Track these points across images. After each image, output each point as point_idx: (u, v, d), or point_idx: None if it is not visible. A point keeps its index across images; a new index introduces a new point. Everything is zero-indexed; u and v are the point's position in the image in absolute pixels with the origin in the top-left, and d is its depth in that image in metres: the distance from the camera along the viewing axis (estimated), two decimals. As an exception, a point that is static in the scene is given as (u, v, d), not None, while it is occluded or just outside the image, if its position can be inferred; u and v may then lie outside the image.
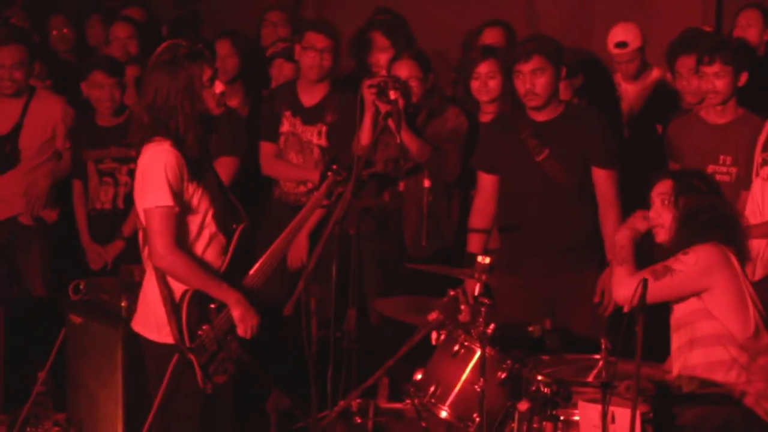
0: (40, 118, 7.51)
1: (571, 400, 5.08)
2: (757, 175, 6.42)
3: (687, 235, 5.29)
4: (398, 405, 5.55)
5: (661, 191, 5.37)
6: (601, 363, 4.90)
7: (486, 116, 6.83)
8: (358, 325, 5.60)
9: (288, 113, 7.08)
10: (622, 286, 5.23)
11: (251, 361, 5.20)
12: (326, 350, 5.38)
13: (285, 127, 7.10)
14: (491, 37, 7.32)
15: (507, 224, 6.38)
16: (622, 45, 7.30)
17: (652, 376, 5.23)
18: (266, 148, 7.14)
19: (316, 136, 7.02)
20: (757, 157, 6.44)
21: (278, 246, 5.31)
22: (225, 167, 7.00)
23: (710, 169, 6.46)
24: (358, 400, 5.34)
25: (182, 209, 5.02)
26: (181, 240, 5.03)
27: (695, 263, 5.22)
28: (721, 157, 6.53)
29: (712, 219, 5.30)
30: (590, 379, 4.92)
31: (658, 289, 5.13)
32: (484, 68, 6.73)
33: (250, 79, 7.66)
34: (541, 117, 6.27)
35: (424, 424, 5.23)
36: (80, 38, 8.87)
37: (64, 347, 6.65)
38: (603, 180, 6.24)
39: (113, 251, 7.30)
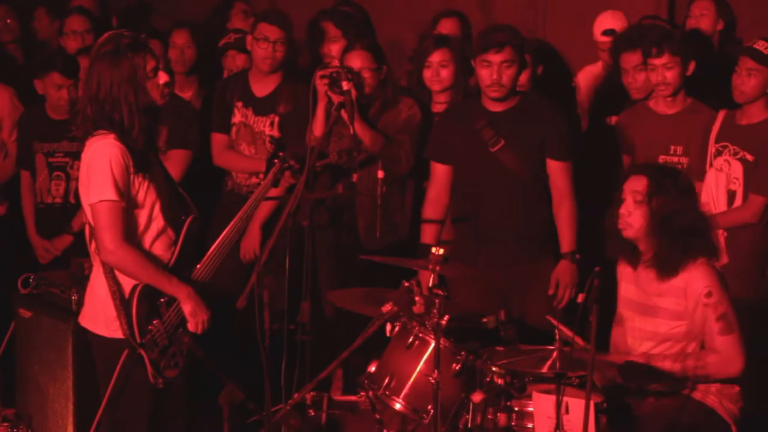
0: None
1: (525, 391, 5.11)
2: (711, 165, 6.47)
3: (670, 248, 5.30)
4: (352, 397, 5.54)
5: (635, 189, 5.38)
6: (555, 354, 4.92)
7: (438, 106, 6.84)
8: (311, 317, 5.59)
9: (240, 104, 7.07)
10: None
11: (204, 354, 5.18)
12: (280, 343, 5.36)
13: (237, 117, 7.09)
14: (446, 27, 7.33)
15: (462, 215, 6.39)
16: (609, 33, 7.31)
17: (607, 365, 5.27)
18: (218, 139, 7.13)
19: (268, 126, 7.01)
20: (711, 148, 6.48)
21: (226, 237, 5.29)
22: (177, 160, 7.00)
23: (661, 159, 6.51)
24: (312, 393, 5.32)
25: (129, 203, 4.99)
26: (129, 234, 5.01)
27: (726, 294, 5.28)
28: (672, 147, 6.58)
29: (687, 226, 5.32)
30: (544, 370, 4.92)
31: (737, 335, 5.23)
32: (436, 57, 6.75)
33: (206, 71, 7.66)
34: (496, 107, 6.27)
35: (378, 417, 5.22)
36: (24, 29, 8.79)
37: (13, 342, 6.62)
38: (557, 171, 6.26)
39: (61, 245, 7.25)
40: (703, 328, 5.28)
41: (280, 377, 5.37)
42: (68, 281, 6.32)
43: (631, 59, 6.76)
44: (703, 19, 7.08)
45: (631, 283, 5.51)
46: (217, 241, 5.27)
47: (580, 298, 4.91)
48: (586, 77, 7.32)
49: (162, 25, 8.18)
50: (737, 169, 6.36)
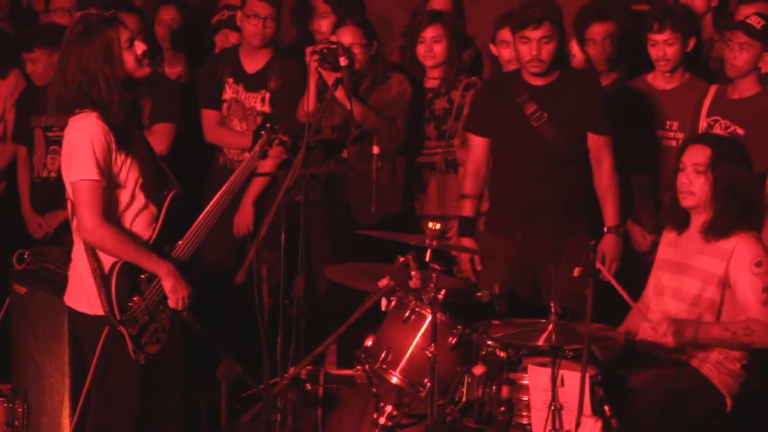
0: None
1: (521, 364, 5.14)
2: (701, 139, 6.50)
3: (728, 213, 5.34)
4: (349, 371, 5.57)
5: (696, 160, 5.40)
6: (550, 327, 4.96)
7: (431, 81, 6.85)
8: (305, 292, 5.61)
9: (231, 80, 7.08)
10: None
11: (201, 329, 5.20)
12: (275, 317, 5.39)
13: (228, 93, 7.10)
14: (439, 3, 7.31)
15: (501, 188, 6.39)
16: None
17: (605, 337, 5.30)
18: (209, 115, 7.14)
19: (259, 102, 7.02)
20: (702, 122, 6.51)
21: (211, 210, 5.28)
22: (162, 134, 7.02)
23: (658, 134, 6.54)
24: (309, 367, 5.34)
25: (110, 181, 4.99)
26: (110, 212, 5.01)
27: None
28: (668, 122, 6.61)
29: (749, 197, 5.38)
30: (540, 343, 4.95)
31: None
32: (430, 33, 6.76)
33: (194, 46, 7.65)
34: (537, 81, 6.25)
35: (375, 390, 5.24)
36: (15, 4, 8.76)
37: (9, 317, 6.62)
38: (599, 145, 6.25)
39: (55, 221, 7.25)
40: (742, 296, 5.31)
41: (275, 351, 5.38)
42: (63, 257, 6.31)
43: (599, 30, 6.77)
44: None
45: (672, 246, 5.55)
46: (200, 216, 5.27)
47: (576, 272, 4.96)
48: (580, 57, 7.32)
49: (145, 3, 8.15)
50: (728, 142, 6.40)
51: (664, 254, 5.59)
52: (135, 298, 5.07)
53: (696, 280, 5.40)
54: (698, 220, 5.45)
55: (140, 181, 5.06)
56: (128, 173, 5.03)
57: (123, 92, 5.00)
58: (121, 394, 5.15)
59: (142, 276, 5.08)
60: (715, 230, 5.36)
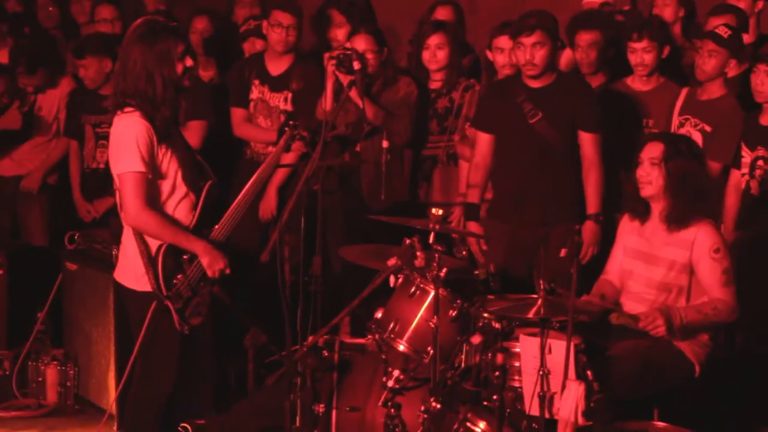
0: (50, 94, 7.51)
1: (513, 334, 5.14)
2: (674, 136, 6.50)
3: (682, 202, 5.34)
4: (361, 340, 5.56)
5: (651, 154, 5.41)
6: (540, 301, 4.96)
7: (435, 83, 6.84)
8: (322, 270, 5.60)
9: (257, 81, 7.08)
10: None
11: (230, 302, 5.21)
12: (296, 292, 5.38)
13: (254, 94, 7.10)
14: (442, 14, 7.32)
15: (502, 178, 6.39)
16: (603, 5, 7.31)
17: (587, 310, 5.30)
18: (237, 113, 7.13)
19: (282, 102, 7.02)
20: (674, 120, 6.50)
21: (243, 199, 5.29)
22: (196, 130, 7.02)
23: (636, 130, 6.52)
24: (326, 336, 5.34)
25: (155, 173, 5.00)
26: (154, 200, 5.01)
27: (729, 252, 5.35)
28: (645, 120, 6.60)
29: (699, 186, 5.37)
30: (530, 315, 4.95)
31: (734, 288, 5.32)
32: (433, 40, 6.75)
33: (223, 52, 7.65)
34: (534, 84, 6.25)
35: (384, 357, 5.23)
36: (64, 15, 8.76)
37: (62, 291, 6.64)
38: (587, 142, 6.23)
39: (102, 206, 7.27)
40: (705, 280, 5.33)
41: (296, 322, 5.38)
42: (109, 238, 6.34)
43: (585, 37, 6.76)
44: (666, 8, 7.07)
45: (637, 235, 5.54)
46: (234, 203, 5.28)
47: (563, 252, 4.96)
48: (565, 60, 7.31)
49: (182, 14, 8.15)
50: (697, 138, 6.34)
51: (629, 242, 5.58)
52: (179, 276, 5.08)
53: (663, 269, 5.41)
54: (657, 209, 5.45)
55: (180, 172, 5.06)
56: (169, 165, 5.03)
57: (174, 93, 5.01)
58: (164, 361, 5.17)
59: (185, 257, 5.09)
60: (674, 219, 5.37)
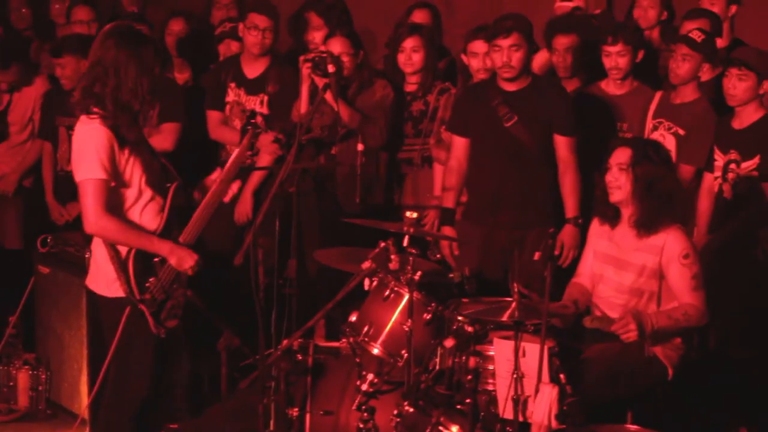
0: (26, 95, 7.45)
1: (488, 337, 5.13)
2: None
3: (650, 207, 5.33)
4: (335, 343, 5.57)
5: (619, 160, 5.40)
6: (513, 305, 4.95)
7: (410, 86, 6.83)
8: (297, 273, 5.59)
9: (233, 84, 7.05)
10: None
11: (204, 305, 5.18)
12: (270, 295, 5.37)
13: (230, 97, 7.07)
14: (419, 17, 7.31)
15: (477, 182, 6.37)
16: (576, 9, 7.31)
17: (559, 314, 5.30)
18: (213, 115, 7.11)
19: (258, 105, 6.99)
20: (648, 123, 6.51)
21: (210, 199, 5.22)
22: (169, 132, 7.01)
23: (610, 134, 6.51)
24: (300, 340, 5.33)
25: (117, 180, 4.95)
26: (117, 207, 4.97)
27: (698, 257, 5.36)
28: (619, 123, 6.60)
29: (667, 191, 5.36)
30: (505, 318, 4.95)
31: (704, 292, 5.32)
32: (409, 43, 6.73)
33: (199, 54, 7.63)
34: (510, 87, 6.23)
35: (358, 360, 5.23)
36: (37, 17, 8.70)
37: (34, 295, 6.60)
38: (563, 146, 6.22)
39: (75, 210, 7.21)
40: (674, 285, 5.33)
41: (270, 326, 5.36)
42: (82, 241, 6.30)
43: (563, 41, 6.76)
44: (650, 10, 7.06)
45: (607, 240, 5.54)
46: (202, 204, 5.23)
47: (537, 256, 4.95)
48: (538, 63, 7.30)
49: (156, 15, 8.12)
50: (671, 142, 6.38)
51: (600, 246, 5.58)
52: (151, 279, 5.04)
53: (634, 275, 5.41)
54: (626, 214, 5.45)
55: (144, 176, 5.02)
56: (133, 170, 4.98)
57: (147, 101, 4.98)
58: (139, 366, 5.12)
59: (155, 259, 5.05)
60: (643, 224, 5.36)
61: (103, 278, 5.06)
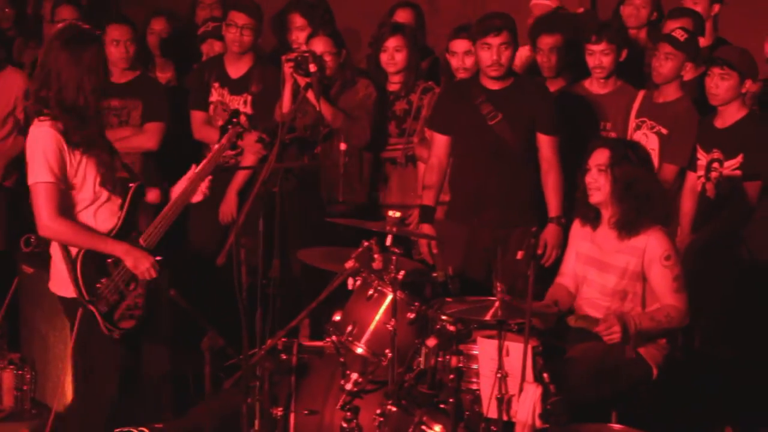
0: (4, 91, 7.38)
1: (471, 337, 5.12)
2: (631, 138, 6.49)
3: (629, 208, 5.33)
4: (319, 343, 5.55)
5: (598, 161, 5.39)
6: (497, 304, 4.95)
7: (393, 86, 6.81)
8: (281, 273, 5.58)
9: (216, 84, 7.04)
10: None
11: (187, 305, 5.16)
12: (254, 296, 5.35)
13: (214, 96, 7.06)
14: (402, 16, 7.30)
15: (459, 180, 6.35)
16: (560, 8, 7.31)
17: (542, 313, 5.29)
18: (197, 115, 7.10)
19: (242, 104, 6.98)
20: (632, 122, 6.52)
21: (177, 199, 5.22)
22: (153, 132, 7.02)
23: (593, 133, 6.52)
24: (284, 339, 5.31)
25: (67, 182, 4.94)
26: (69, 209, 4.96)
27: (680, 259, 5.37)
28: (602, 123, 6.60)
29: (647, 191, 5.35)
30: (488, 318, 4.94)
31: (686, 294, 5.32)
32: (391, 42, 6.72)
33: (181, 54, 7.61)
34: (494, 86, 6.22)
35: (342, 360, 5.22)
36: (20, 16, 8.66)
37: (18, 294, 6.58)
38: (546, 144, 6.21)
39: None
40: (656, 286, 5.33)
41: (255, 326, 5.35)
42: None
43: (547, 41, 6.76)
44: (642, 10, 7.05)
45: (589, 241, 5.53)
46: (168, 204, 5.21)
47: (520, 255, 4.95)
48: (519, 59, 7.30)
49: (133, 14, 8.08)
50: (653, 141, 6.40)
51: (581, 248, 5.58)
52: (103, 280, 5.02)
53: (617, 277, 5.41)
54: (606, 215, 5.45)
55: (99, 177, 4.99)
56: (86, 171, 4.96)
57: (96, 100, 4.96)
58: (101, 366, 5.10)
59: (109, 260, 5.03)
60: (623, 226, 5.36)
61: (60, 279, 5.07)
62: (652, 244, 5.32)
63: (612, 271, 5.41)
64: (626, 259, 5.37)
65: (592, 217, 5.50)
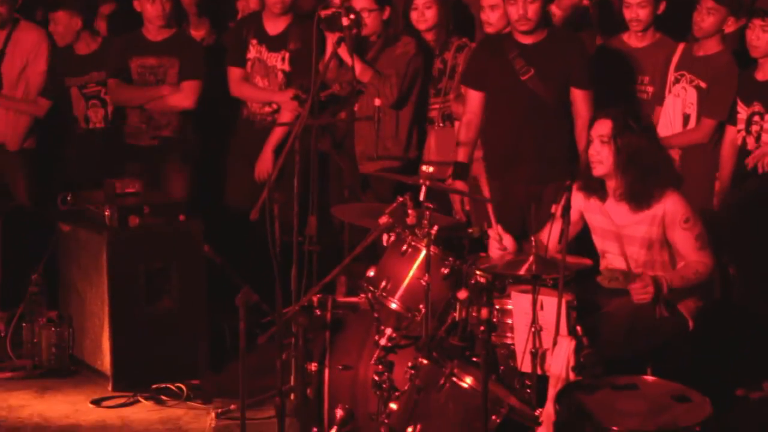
0: (20, 47, 7.39)
1: (506, 291, 5.13)
2: (670, 92, 6.46)
3: (635, 179, 5.28)
4: (354, 299, 5.58)
5: (600, 132, 5.33)
6: (531, 258, 4.95)
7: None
8: (318, 230, 5.59)
9: (254, 41, 7.06)
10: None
11: (222, 261, 5.19)
12: (290, 253, 5.38)
13: (251, 53, 7.07)
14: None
15: (493, 137, 6.32)
16: None
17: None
18: (234, 72, 7.11)
19: (279, 61, 6.99)
20: (670, 76, 6.46)
21: None
22: (190, 90, 7.06)
23: (631, 87, 6.49)
24: (318, 295, 5.33)
25: None
26: None
27: (699, 217, 5.33)
28: (640, 77, 6.55)
29: (652, 160, 5.30)
30: (522, 272, 4.95)
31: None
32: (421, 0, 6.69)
33: (216, 12, 7.63)
34: (526, 40, 6.16)
35: (376, 315, 5.23)
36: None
37: (55, 252, 6.64)
38: (580, 99, 6.14)
39: None
40: (681, 248, 5.30)
41: (290, 282, 5.37)
42: (102, 199, 6.36)
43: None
44: None
45: (599, 214, 5.47)
46: None
47: (553, 208, 4.94)
48: (563, 5, 7.22)
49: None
50: (692, 95, 6.35)
51: (594, 221, 5.51)
52: None
53: (641, 249, 5.36)
54: (611, 187, 5.38)
55: None
56: None
57: None
58: None
59: None
60: (633, 197, 5.30)
61: None
62: (669, 209, 5.27)
63: (635, 242, 5.36)
64: (647, 229, 5.32)
65: (596, 188, 5.43)
